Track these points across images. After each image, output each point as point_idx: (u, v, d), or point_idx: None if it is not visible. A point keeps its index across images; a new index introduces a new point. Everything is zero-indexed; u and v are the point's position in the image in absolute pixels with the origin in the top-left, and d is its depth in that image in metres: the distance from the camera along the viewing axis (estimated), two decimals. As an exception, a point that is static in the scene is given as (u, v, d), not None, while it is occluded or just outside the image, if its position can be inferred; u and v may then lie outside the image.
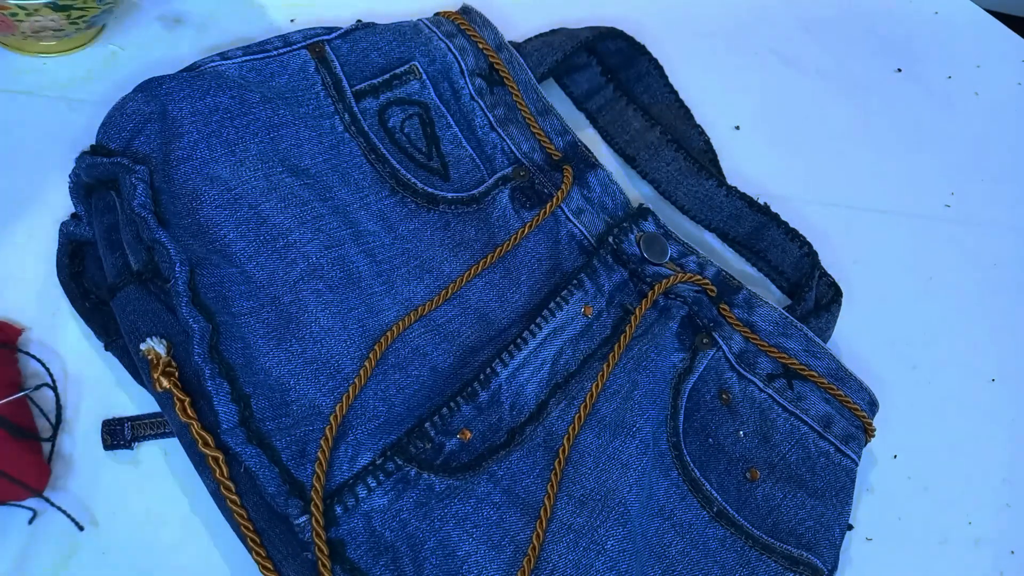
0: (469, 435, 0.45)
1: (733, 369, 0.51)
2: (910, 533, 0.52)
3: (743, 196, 0.58)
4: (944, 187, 0.65)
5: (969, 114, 0.69)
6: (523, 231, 0.52)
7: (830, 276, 0.57)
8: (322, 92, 0.51)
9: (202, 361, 0.41)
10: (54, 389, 0.45)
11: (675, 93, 0.62)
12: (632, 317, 0.50)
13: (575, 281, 0.51)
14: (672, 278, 0.51)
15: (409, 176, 0.51)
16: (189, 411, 0.41)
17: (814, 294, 0.55)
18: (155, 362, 0.41)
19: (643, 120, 0.61)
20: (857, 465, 0.51)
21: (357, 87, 0.53)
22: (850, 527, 0.51)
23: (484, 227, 0.52)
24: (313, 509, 0.40)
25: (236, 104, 0.48)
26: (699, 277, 0.52)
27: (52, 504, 0.43)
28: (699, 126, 0.62)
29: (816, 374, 0.51)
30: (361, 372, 0.44)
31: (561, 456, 0.45)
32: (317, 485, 0.40)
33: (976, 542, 0.52)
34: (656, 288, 0.51)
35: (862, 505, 0.52)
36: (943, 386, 0.57)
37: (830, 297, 0.56)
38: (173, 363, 0.42)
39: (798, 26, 0.71)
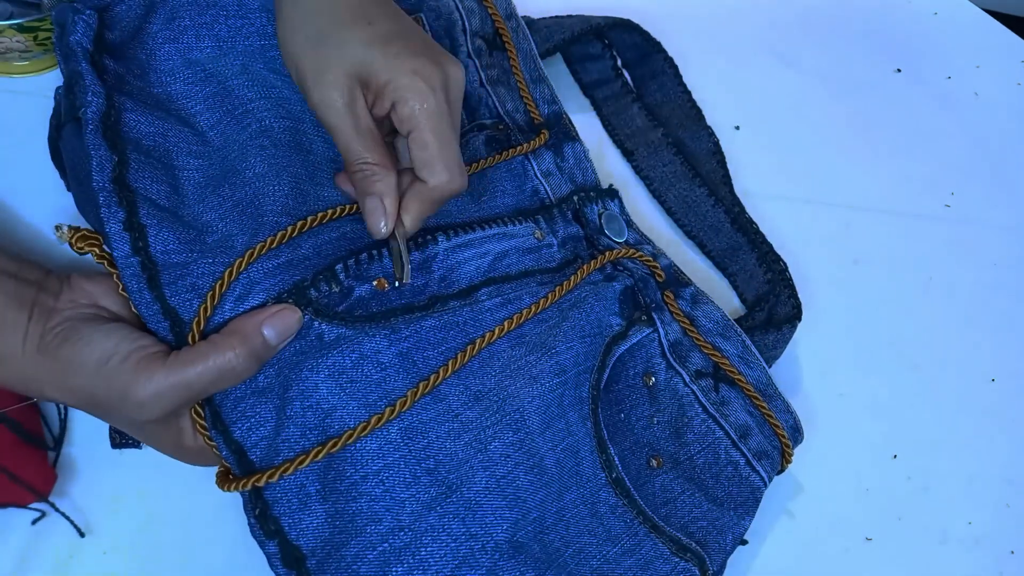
0: (386, 285, 0.44)
1: (663, 357, 0.50)
2: (910, 533, 0.52)
3: (730, 210, 0.58)
4: (944, 187, 0.65)
5: (969, 114, 0.69)
6: (490, 160, 0.52)
7: (797, 299, 0.55)
8: None
9: (98, 188, 0.41)
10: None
11: (688, 93, 0.63)
12: (579, 269, 0.49)
13: (533, 218, 0.51)
14: (624, 250, 0.51)
15: None
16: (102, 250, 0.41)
17: (765, 316, 0.55)
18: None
19: (646, 119, 0.61)
20: (766, 485, 0.49)
21: None
22: (744, 542, 0.49)
23: None
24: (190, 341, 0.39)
25: (234, 5, 0.48)
26: (650, 259, 0.51)
27: (56, 509, 0.43)
28: (709, 127, 0.62)
29: (745, 381, 0.50)
30: (289, 229, 0.43)
31: (473, 347, 0.44)
32: (200, 317, 0.40)
33: (976, 542, 0.53)
34: (607, 254, 0.50)
35: (862, 505, 0.53)
36: (943, 386, 0.57)
37: (786, 315, 0.54)
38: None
39: (798, 26, 0.71)
